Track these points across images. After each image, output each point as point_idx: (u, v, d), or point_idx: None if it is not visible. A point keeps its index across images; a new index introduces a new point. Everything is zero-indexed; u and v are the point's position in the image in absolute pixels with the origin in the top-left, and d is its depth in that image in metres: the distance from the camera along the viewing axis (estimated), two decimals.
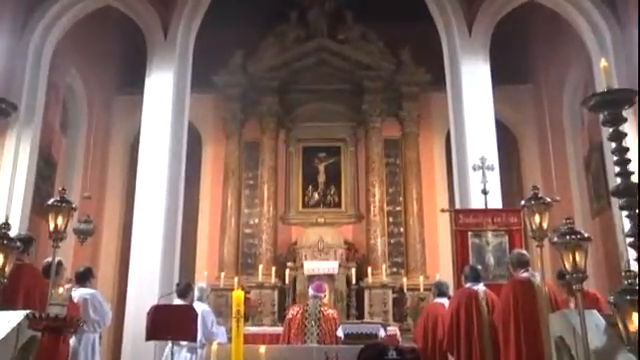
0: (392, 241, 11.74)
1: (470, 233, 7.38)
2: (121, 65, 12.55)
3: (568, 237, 3.88)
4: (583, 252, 3.86)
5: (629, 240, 3.29)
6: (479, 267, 6.28)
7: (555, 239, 4.06)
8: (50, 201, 4.84)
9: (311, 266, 10.54)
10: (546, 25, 11.05)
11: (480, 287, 5.86)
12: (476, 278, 5.97)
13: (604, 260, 9.07)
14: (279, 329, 8.44)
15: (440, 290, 7.03)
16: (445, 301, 6.70)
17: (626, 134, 3.38)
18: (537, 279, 5.27)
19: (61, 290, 4.49)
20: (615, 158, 3.37)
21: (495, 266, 7.16)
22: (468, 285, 5.93)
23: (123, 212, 12.09)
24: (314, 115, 12.36)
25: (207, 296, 7.92)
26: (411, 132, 12.24)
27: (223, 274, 10.92)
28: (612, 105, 3.35)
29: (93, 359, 6.40)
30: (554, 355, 4.64)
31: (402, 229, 11.81)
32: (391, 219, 11.87)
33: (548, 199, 5.01)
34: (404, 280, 10.80)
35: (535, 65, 12.27)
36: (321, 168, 12.29)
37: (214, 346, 3.73)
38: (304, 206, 12.15)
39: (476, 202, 8.38)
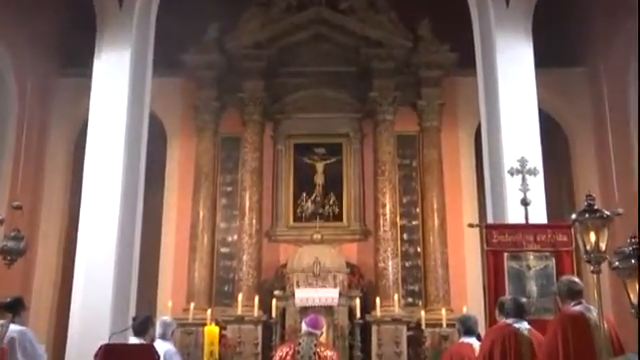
0: (407, 264, 11.79)
1: (506, 255, 7.36)
2: (63, 40, 12.49)
3: (633, 261, 3.86)
4: None
5: None
6: (524, 300, 6.23)
7: (616, 263, 4.04)
8: None
9: (305, 295, 10.52)
10: None
11: (524, 325, 5.82)
12: (520, 314, 5.90)
13: None
14: None
15: (467, 327, 6.98)
16: (473, 341, 6.67)
17: None
18: (593, 314, 5.23)
19: None
20: None
21: (538, 297, 7.13)
22: (510, 321, 5.89)
23: (65, 225, 12.08)
24: (309, 104, 12.42)
25: (172, 333, 7.88)
26: (431, 126, 12.29)
27: (193, 305, 10.89)
28: None
29: None
30: None
31: (419, 249, 11.85)
32: (405, 236, 11.92)
33: (607, 212, 4.97)
34: (422, 313, 10.83)
35: (591, 43, 12.26)
36: (318, 171, 12.31)
37: None
38: (296, 219, 12.18)
39: (514, 215, 8.39)
